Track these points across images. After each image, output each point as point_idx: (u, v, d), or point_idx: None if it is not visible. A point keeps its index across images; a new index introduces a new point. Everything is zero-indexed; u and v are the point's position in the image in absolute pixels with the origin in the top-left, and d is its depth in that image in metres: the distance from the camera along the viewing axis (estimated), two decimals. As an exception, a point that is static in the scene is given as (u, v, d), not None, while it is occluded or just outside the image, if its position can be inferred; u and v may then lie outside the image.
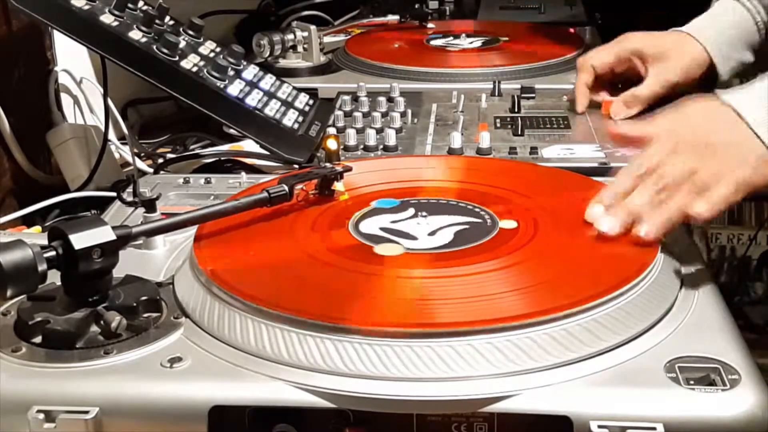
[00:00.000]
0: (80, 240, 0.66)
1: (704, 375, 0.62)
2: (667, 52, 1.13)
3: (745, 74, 1.15)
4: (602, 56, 1.18)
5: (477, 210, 0.83)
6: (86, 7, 1.07)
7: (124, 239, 0.70)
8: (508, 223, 0.79)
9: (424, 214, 0.82)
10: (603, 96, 1.18)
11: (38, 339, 0.67)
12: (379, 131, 1.11)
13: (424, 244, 0.76)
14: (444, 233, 0.78)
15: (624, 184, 0.79)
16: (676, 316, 0.69)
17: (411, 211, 0.83)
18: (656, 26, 1.24)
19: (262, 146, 1.08)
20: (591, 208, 0.79)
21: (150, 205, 0.83)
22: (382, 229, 0.79)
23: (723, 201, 0.76)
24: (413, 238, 0.78)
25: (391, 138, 1.07)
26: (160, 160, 1.16)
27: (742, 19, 1.12)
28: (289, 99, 1.18)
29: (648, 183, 0.77)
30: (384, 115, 1.17)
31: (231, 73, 1.13)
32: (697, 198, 0.75)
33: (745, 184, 0.77)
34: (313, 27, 1.43)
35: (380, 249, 0.76)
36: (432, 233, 0.78)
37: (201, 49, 1.15)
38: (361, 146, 1.08)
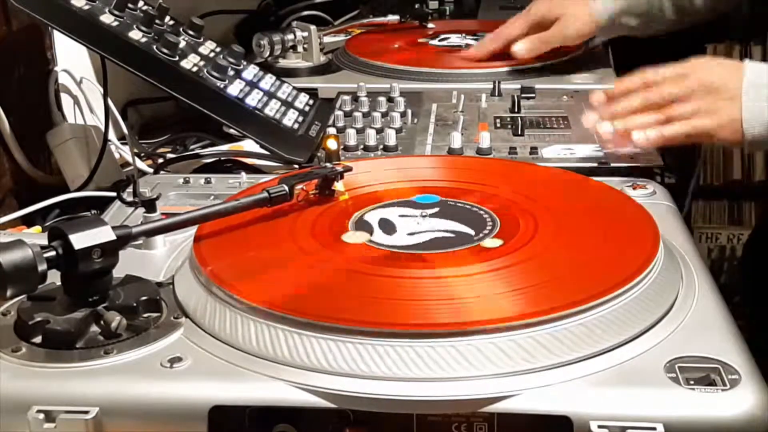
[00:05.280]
0: (80, 240, 0.66)
1: (704, 375, 0.62)
2: (566, 14, 1.34)
3: (624, 34, 1.37)
4: (516, 28, 1.38)
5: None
6: (86, 7, 1.07)
7: (124, 239, 0.70)
8: (492, 242, 0.76)
9: (425, 213, 0.82)
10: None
11: (38, 339, 0.67)
12: (379, 131, 1.11)
13: (397, 242, 0.77)
14: (425, 236, 0.78)
15: (634, 83, 1.00)
16: (676, 316, 0.69)
17: (416, 209, 0.84)
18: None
19: (262, 146, 1.08)
20: (595, 92, 1.04)
21: (150, 205, 0.83)
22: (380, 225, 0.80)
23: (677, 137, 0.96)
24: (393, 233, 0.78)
25: (391, 138, 1.07)
26: (160, 160, 1.16)
27: None
28: (289, 99, 1.18)
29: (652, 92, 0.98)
30: (384, 115, 1.17)
31: (231, 73, 1.13)
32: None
33: (707, 134, 0.96)
34: (313, 27, 1.43)
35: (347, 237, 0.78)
36: (412, 233, 0.79)
37: (201, 49, 1.15)
38: (361, 146, 1.08)
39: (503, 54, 1.43)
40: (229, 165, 1.10)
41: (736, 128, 0.94)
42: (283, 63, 1.42)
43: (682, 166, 1.14)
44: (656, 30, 1.34)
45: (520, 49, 1.35)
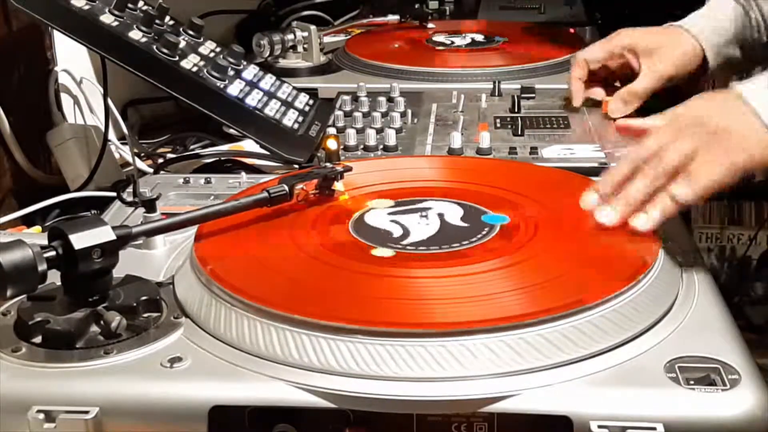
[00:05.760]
0: (80, 240, 0.66)
1: (704, 375, 0.62)
2: (660, 47, 1.14)
3: (733, 69, 1.16)
4: (594, 52, 1.19)
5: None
6: (86, 7, 1.07)
7: (124, 239, 0.70)
8: (383, 251, 0.75)
9: (425, 213, 0.82)
10: (598, 93, 1.18)
11: (38, 339, 0.67)
12: (379, 131, 1.11)
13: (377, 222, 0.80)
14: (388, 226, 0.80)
15: (622, 171, 0.79)
16: (676, 316, 0.69)
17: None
18: (656, 26, 1.26)
19: (262, 146, 1.08)
20: (586, 196, 0.80)
21: (150, 205, 0.83)
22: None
23: (710, 186, 0.77)
24: (407, 234, 0.78)
25: (391, 138, 1.07)
26: (160, 160, 1.16)
27: (737, 15, 1.13)
28: (289, 99, 1.18)
29: (647, 171, 0.78)
30: (384, 115, 1.17)
31: (231, 73, 1.13)
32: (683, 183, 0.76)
33: (742, 169, 0.77)
34: (313, 27, 1.44)
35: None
36: (394, 221, 0.81)
37: (201, 49, 1.15)
38: (361, 146, 1.08)
39: (503, 54, 1.43)
40: (229, 165, 1.10)
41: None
42: (283, 63, 1.42)
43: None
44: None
45: (615, 109, 1.14)
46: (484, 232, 0.78)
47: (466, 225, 0.80)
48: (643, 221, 0.76)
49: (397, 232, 0.79)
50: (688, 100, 0.82)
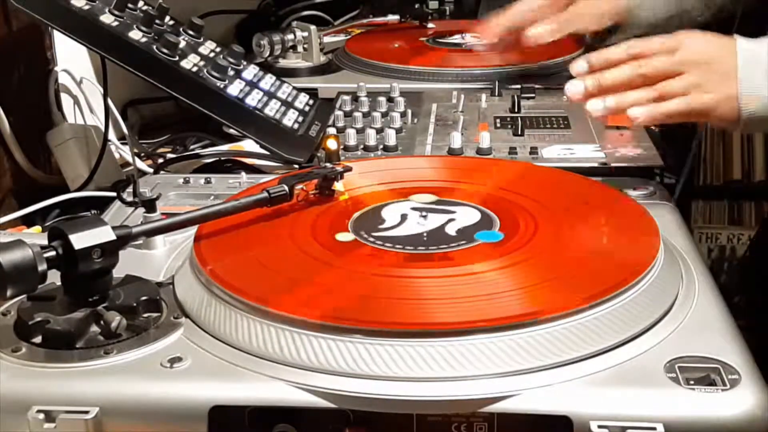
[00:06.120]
0: (80, 240, 0.66)
1: (704, 375, 0.62)
2: None
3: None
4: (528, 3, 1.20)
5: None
6: (86, 7, 1.07)
7: (124, 239, 0.70)
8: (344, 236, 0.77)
9: (424, 214, 0.82)
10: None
11: (38, 339, 0.67)
12: (379, 131, 1.11)
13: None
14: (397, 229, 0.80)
15: (617, 54, 0.88)
16: (676, 316, 0.69)
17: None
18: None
19: (262, 146, 1.08)
20: (577, 62, 0.89)
21: (150, 205, 0.83)
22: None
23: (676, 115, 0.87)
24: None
25: (391, 138, 1.07)
26: (160, 160, 1.16)
27: None
28: (289, 99, 1.18)
29: (641, 62, 0.87)
30: (384, 115, 1.17)
31: (231, 73, 1.13)
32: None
33: (704, 111, 0.87)
34: (313, 27, 1.44)
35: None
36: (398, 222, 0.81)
37: (201, 49, 1.15)
38: (361, 146, 1.08)
39: (503, 54, 1.43)
40: (229, 165, 1.10)
41: (732, 105, 0.86)
42: (283, 63, 1.42)
43: (682, 166, 1.11)
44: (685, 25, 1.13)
45: (534, 33, 1.16)
46: (460, 243, 0.76)
47: (453, 235, 0.78)
48: (639, 111, 0.86)
49: (389, 224, 0.79)
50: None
